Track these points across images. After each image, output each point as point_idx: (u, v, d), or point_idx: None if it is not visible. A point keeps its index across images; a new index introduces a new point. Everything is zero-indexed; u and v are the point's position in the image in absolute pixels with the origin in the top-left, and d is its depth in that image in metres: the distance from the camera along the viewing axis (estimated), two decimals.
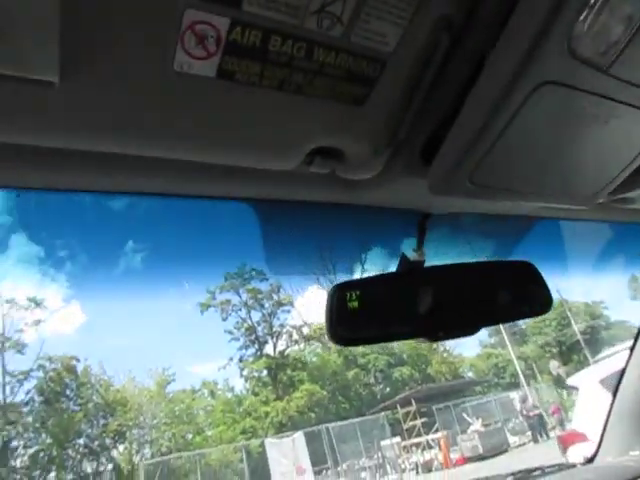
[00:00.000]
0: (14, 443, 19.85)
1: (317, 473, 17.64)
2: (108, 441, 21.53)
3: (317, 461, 17.19)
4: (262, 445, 19.52)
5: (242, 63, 0.60)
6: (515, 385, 24.04)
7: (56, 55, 0.52)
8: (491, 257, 1.36)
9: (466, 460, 16.60)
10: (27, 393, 20.50)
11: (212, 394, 25.37)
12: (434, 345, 29.54)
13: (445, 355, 28.85)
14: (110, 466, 21.40)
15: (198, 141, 0.72)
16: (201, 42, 0.56)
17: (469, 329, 1.07)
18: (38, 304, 21.22)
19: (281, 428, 21.38)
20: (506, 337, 22.71)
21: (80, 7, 0.52)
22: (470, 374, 28.61)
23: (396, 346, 27.18)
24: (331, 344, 27.22)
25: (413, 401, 20.47)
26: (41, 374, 20.68)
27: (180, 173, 0.82)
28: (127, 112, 0.64)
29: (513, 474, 2.03)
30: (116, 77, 0.59)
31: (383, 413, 20.30)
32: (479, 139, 0.72)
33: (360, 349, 25.47)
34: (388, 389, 25.60)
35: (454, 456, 17.15)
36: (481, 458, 16.24)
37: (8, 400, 20.04)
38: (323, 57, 0.63)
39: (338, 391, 24.38)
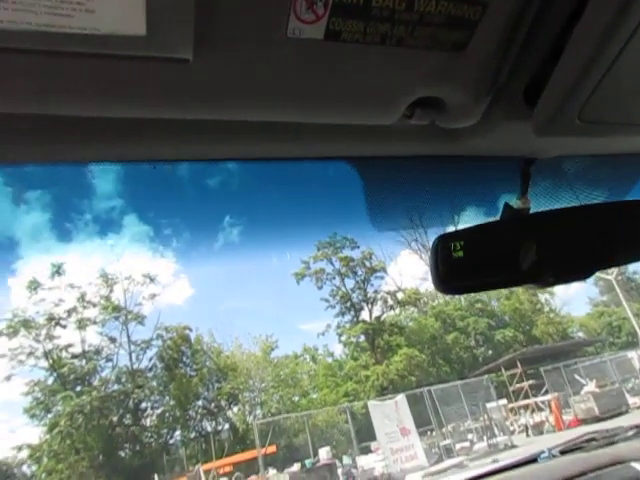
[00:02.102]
0: (143, 405, 22.23)
1: (422, 434, 17.72)
2: (223, 403, 23.30)
3: (421, 423, 17.23)
4: (365, 407, 20.02)
5: (347, 22, 0.62)
6: (633, 344, 22.26)
7: (191, 33, 0.56)
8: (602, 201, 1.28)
9: (580, 422, 15.80)
10: (150, 360, 22.69)
11: (314, 359, 26.38)
12: (538, 305, 28.14)
13: (552, 315, 27.38)
14: (227, 425, 23.24)
15: (305, 102, 0.75)
16: (311, 6, 0.59)
17: (581, 273, 1.03)
18: (152, 279, 23.17)
19: (382, 391, 21.71)
20: (620, 293, 20.95)
21: None
22: (580, 334, 26.99)
23: (497, 307, 26.31)
24: (427, 308, 27.02)
25: (519, 363, 19.77)
26: (160, 343, 22.70)
27: (280, 136, 0.84)
28: (248, 81, 0.67)
29: (637, 426, 1.89)
30: (241, 49, 0.62)
31: (487, 376, 19.83)
32: (587, 73, 0.69)
33: (458, 312, 24.97)
34: (490, 352, 24.92)
35: (567, 418, 16.38)
36: (597, 420, 15.33)
37: (135, 366, 22.33)
38: (424, 6, 0.63)
39: (438, 354, 24.19)
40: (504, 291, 26.94)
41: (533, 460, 1.69)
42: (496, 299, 26.35)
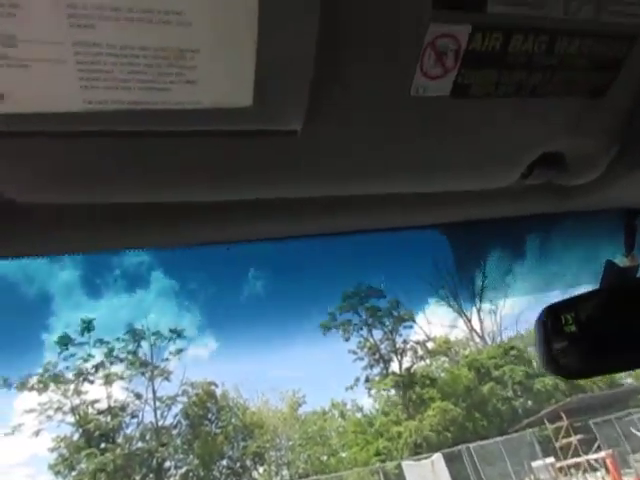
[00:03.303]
0: (167, 464, 21.59)
1: None
2: (248, 462, 22.33)
3: None
4: (399, 467, 18.71)
5: (479, 74, 0.56)
6: None
7: (306, 100, 0.51)
8: None
9: None
10: (175, 417, 22.31)
11: (342, 415, 25.19)
12: None
13: None
14: None
15: (420, 169, 0.68)
16: (440, 59, 0.53)
17: None
18: (179, 334, 23.32)
19: (416, 449, 20.32)
20: None
21: (336, 47, 0.50)
22: (629, 380, 24.73)
23: (533, 354, 24.71)
24: (459, 357, 25.66)
25: (563, 415, 18.20)
26: (185, 399, 22.40)
27: (373, 207, 0.78)
28: (361, 149, 0.62)
29: None
30: (355, 115, 0.57)
31: (529, 430, 18.35)
32: None
33: (492, 361, 23.56)
34: (530, 402, 23.11)
35: None
36: None
37: (160, 423, 21.98)
38: (565, 48, 0.56)
39: (474, 407, 22.62)
40: None
41: None
42: (532, 345, 24.79)
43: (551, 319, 0.86)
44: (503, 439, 18.27)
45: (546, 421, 18.82)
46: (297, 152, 0.58)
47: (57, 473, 19.78)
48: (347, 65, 0.51)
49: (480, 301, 25.55)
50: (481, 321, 26.49)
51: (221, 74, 0.46)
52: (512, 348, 24.16)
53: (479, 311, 26.48)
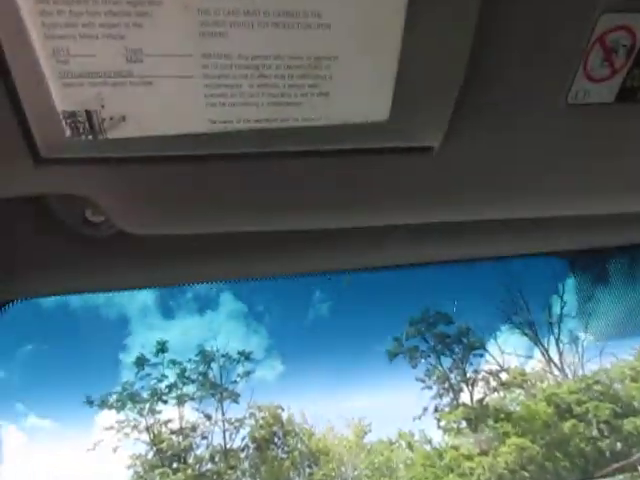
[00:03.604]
0: None
1: None
2: None
3: None
4: None
5: None
6: None
7: (448, 112, 0.46)
8: None
9: None
10: (242, 439, 22.60)
11: (410, 446, 24.35)
12: None
13: None
14: None
15: (570, 190, 0.61)
16: (608, 57, 0.46)
17: None
18: (246, 357, 23.74)
19: None
20: None
21: (488, 53, 0.44)
22: None
23: (621, 390, 22.70)
24: (536, 391, 24.11)
25: None
26: (252, 422, 22.64)
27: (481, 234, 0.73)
28: (501, 168, 0.56)
29: None
30: (497, 126, 0.51)
31: (621, 476, 16.80)
32: None
33: (573, 396, 21.90)
34: (619, 445, 21.16)
35: None
36: None
37: (228, 446, 22.33)
38: None
39: (553, 446, 21.05)
40: (628, 371, 23.26)
41: None
42: (619, 381, 22.84)
43: None
44: None
45: (639, 466, 17.17)
46: (429, 171, 0.52)
47: None
48: (497, 73, 0.44)
49: (559, 330, 23.99)
50: (560, 352, 24.81)
51: (358, 85, 0.41)
52: (596, 383, 22.37)
53: (558, 341, 24.91)
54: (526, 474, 19.62)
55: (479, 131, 0.50)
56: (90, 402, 21.09)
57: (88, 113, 0.39)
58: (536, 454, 20.35)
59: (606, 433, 21.51)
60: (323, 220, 0.58)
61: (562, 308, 24.27)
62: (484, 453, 20.94)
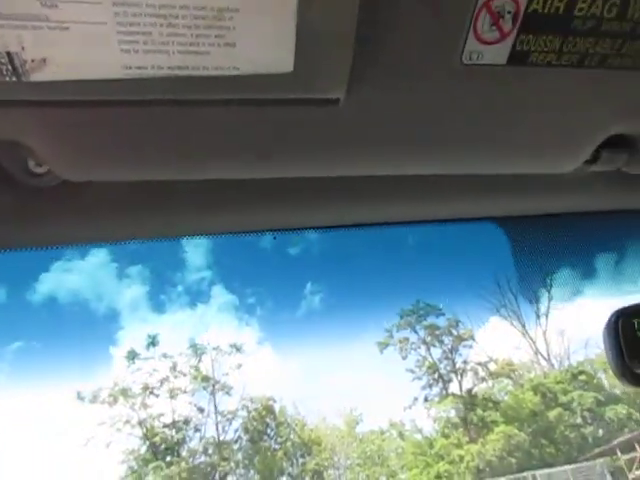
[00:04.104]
0: (229, 478, 21.94)
1: None
2: None
3: None
4: None
5: (540, 40, 0.51)
6: None
7: (348, 66, 0.48)
8: None
9: None
10: (235, 431, 22.67)
11: (401, 435, 24.93)
12: None
13: None
14: None
15: (471, 148, 0.63)
16: (496, 22, 0.49)
17: None
18: (238, 349, 23.69)
19: (479, 474, 19.92)
20: None
21: (380, 8, 0.47)
22: None
23: (604, 380, 23.74)
24: (523, 381, 24.96)
25: (637, 446, 17.43)
26: (245, 413, 22.72)
27: (416, 193, 0.75)
28: (406, 122, 0.58)
29: None
30: (402, 83, 0.53)
31: (601, 460, 17.66)
32: None
33: (559, 386, 22.79)
34: (601, 431, 22.20)
35: None
36: None
37: (221, 438, 22.37)
38: (638, 14, 0.51)
39: (539, 434, 21.93)
40: None
41: None
42: (603, 371, 23.85)
43: (623, 324, 0.80)
44: (572, 467, 17.69)
45: (619, 451, 18.07)
46: (339, 122, 0.55)
47: None
48: (392, 28, 0.47)
49: (546, 321, 24.78)
50: (547, 343, 25.68)
51: (261, 36, 0.43)
52: (581, 373, 23.29)
53: (545, 333, 25.75)
54: (513, 460, 20.39)
55: (381, 87, 0.53)
56: (81, 397, 20.72)
57: (9, 55, 0.40)
58: (523, 441, 21.15)
59: (589, 420, 22.52)
60: (241, 169, 0.61)
61: (550, 301, 25.08)
62: (473, 441, 21.64)
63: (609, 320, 0.84)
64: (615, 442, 18.47)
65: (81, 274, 20.33)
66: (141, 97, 0.47)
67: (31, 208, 0.69)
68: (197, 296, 23.72)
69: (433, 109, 0.57)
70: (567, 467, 17.78)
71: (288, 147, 0.58)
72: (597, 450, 18.99)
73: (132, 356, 22.05)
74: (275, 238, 0.87)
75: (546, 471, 17.42)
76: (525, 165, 0.68)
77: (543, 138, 0.63)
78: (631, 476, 17.20)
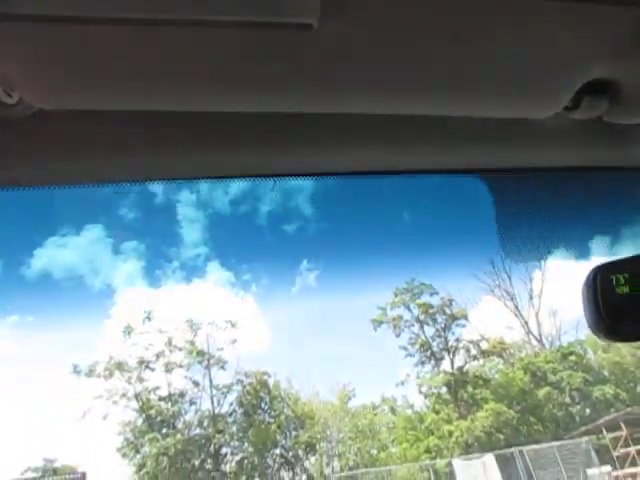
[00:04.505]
0: (223, 450, 22.50)
1: None
2: (300, 452, 23.01)
3: None
4: (449, 465, 18.90)
5: None
6: None
7: None
8: None
9: None
10: (230, 405, 23.12)
11: (392, 410, 25.47)
12: None
13: None
14: (304, 477, 22.84)
15: (445, 82, 0.59)
16: None
17: None
18: (233, 325, 23.91)
19: (467, 449, 20.42)
20: None
21: None
22: None
23: (593, 361, 24.13)
24: (514, 360, 25.36)
25: (623, 425, 17.85)
26: (239, 388, 23.12)
27: (394, 140, 0.71)
28: (384, 55, 0.55)
29: None
30: (374, 15, 0.51)
31: (586, 438, 18.10)
32: None
33: (549, 365, 23.17)
34: (588, 410, 22.71)
35: None
36: None
37: (216, 411, 22.82)
38: None
39: (528, 411, 22.42)
40: (601, 343, 24.62)
41: None
42: (592, 351, 24.23)
43: (601, 279, 0.80)
44: (558, 444, 18.14)
45: (604, 430, 18.51)
46: (313, 50, 0.54)
47: (124, 455, 20.95)
48: None
49: (539, 302, 24.96)
50: (539, 324, 25.97)
51: None
52: (571, 353, 23.64)
53: (537, 313, 25.96)
54: (501, 436, 20.89)
55: (356, 18, 0.51)
56: (77, 371, 21.01)
57: None
58: (511, 418, 21.65)
59: (577, 399, 23.01)
60: (224, 99, 0.59)
61: (543, 282, 25.19)
62: (462, 417, 22.13)
63: (588, 276, 0.82)
64: (601, 421, 18.91)
65: (76, 249, 20.25)
66: (117, 15, 0.44)
67: (1, 143, 0.65)
68: (193, 272, 23.73)
69: (407, 41, 0.54)
70: (554, 443, 18.24)
71: (268, 74, 0.57)
72: (583, 428, 19.45)
73: (128, 331, 22.27)
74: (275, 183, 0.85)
75: (533, 447, 17.85)
76: (506, 108, 0.65)
77: (521, 75, 0.59)
78: (615, 454, 17.69)
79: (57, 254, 19.08)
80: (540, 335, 26.35)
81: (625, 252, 0.88)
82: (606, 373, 23.76)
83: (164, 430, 21.15)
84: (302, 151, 0.73)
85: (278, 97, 0.60)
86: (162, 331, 22.78)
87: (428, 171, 0.82)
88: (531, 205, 0.98)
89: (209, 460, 21.82)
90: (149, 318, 22.56)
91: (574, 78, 0.59)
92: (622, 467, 17.22)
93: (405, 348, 24.99)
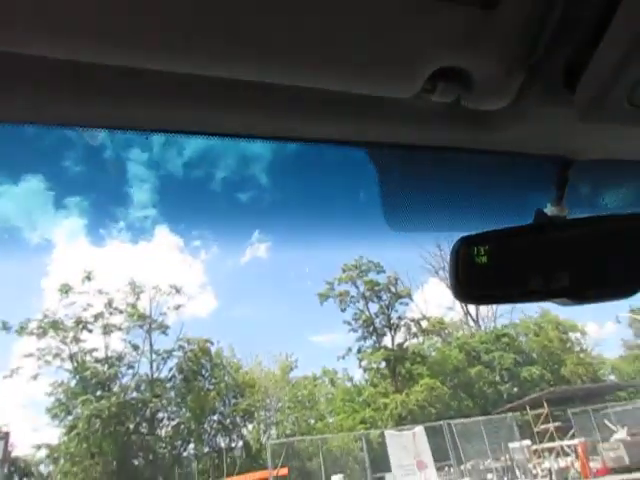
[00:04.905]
0: (160, 414, 22.32)
1: (439, 469, 17.18)
2: (238, 419, 23.18)
3: (439, 457, 16.75)
4: (382, 436, 19.55)
5: None
6: None
7: None
8: None
9: (609, 471, 14.98)
10: (169, 370, 22.88)
11: (332, 382, 26.02)
12: (568, 344, 27.08)
13: (582, 355, 26.27)
14: (240, 443, 23.07)
15: (304, 55, 0.61)
16: None
17: (622, 290, 0.92)
18: (178, 290, 23.53)
19: (400, 421, 21.17)
20: None
21: None
22: (612, 377, 25.78)
23: (524, 343, 25.47)
24: (451, 339, 26.39)
25: (545, 403, 18.98)
26: (181, 354, 22.88)
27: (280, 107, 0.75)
28: (259, 25, 0.56)
29: None
30: None
31: (511, 414, 19.13)
32: (638, 47, 0.58)
33: (483, 345, 24.27)
34: (515, 389, 24.03)
35: (594, 465, 15.56)
36: (628, 470, 14.52)
37: (155, 375, 22.54)
38: None
39: (460, 388, 23.48)
40: (532, 327, 25.98)
41: None
42: (524, 334, 25.56)
43: (464, 249, 0.88)
44: (484, 419, 19.06)
45: (528, 407, 19.61)
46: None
47: (54, 416, 20.38)
48: None
49: None
50: (477, 306, 27.04)
51: None
52: (504, 335, 24.82)
53: None
54: (433, 410, 21.79)
55: None
56: (7, 328, 20.08)
57: None
58: (444, 394, 22.60)
59: (506, 379, 24.27)
60: (165, 58, 0.58)
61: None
62: (399, 391, 22.90)
63: (454, 245, 0.90)
64: (526, 399, 20.00)
65: (13, 200, 19.11)
66: None
67: None
68: (139, 234, 23.05)
69: (257, 7, 0.55)
70: (480, 418, 19.13)
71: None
72: (509, 405, 20.50)
73: (65, 289, 21.44)
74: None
75: (461, 421, 18.68)
76: (368, 85, 0.68)
77: (376, 57, 0.63)
78: (536, 430, 18.80)
79: None
80: (477, 316, 27.53)
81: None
82: (535, 355, 25.16)
83: (99, 392, 20.69)
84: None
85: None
86: (102, 292, 22.14)
87: (316, 140, 0.86)
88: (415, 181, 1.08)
89: (144, 424, 21.63)
90: (89, 278, 21.82)
91: (422, 64, 0.64)
92: (541, 442, 18.34)
93: (349, 323, 25.48)
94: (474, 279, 0.90)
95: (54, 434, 20.97)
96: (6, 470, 17.88)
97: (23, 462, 21.70)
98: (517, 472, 16.52)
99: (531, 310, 26.17)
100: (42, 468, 21.76)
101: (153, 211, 22.26)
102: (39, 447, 21.04)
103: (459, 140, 0.88)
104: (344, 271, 25.12)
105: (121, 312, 22.43)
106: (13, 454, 19.67)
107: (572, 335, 26.96)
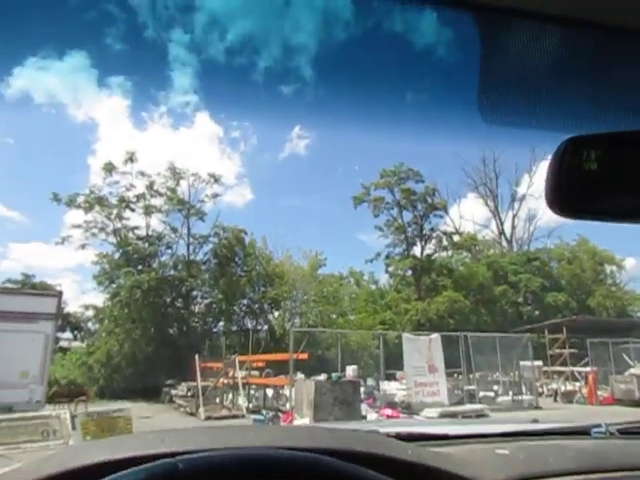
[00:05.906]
0: (194, 293, 23.99)
1: (448, 375, 18.08)
2: (266, 306, 24.68)
3: (450, 365, 17.50)
4: (398, 338, 20.48)
5: None
6: None
7: None
8: None
9: (615, 401, 15.41)
10: (205, 255, 24.10)
11: (357, 283, 26.92)
12: (601, 275, 26.56)
13: (613, 289, 25.87)
14: (266, 327, 24.81)
15: None
16: None
17: None
18: (216, 179, 23.87)
19: (419, 327, 21.98)
20: None
21: None
22: None
23: (555, 269, 25.15)
24: (481, 256, 26.29)
25: (564, 329, 19.16)
26: (216, 240, 23.88)
27: None
28: None
29: None
30: None
31: (528, 334, 19.51)
32: None
33: (512, 266, 24.11)
34: (537, 312, 24.23)
35: (601, 394, 16.02)
36: (636, 404, 14.86)
37: (191, 257, 23.84)
38: None
39: (482, 304, 23.86)
40: (567, 254, 25.34)
41: (584, 432, 1.35)
42: (557, 260, 25.08)
43: (571, 152, 0.75)
44: (501, 336, 19.51)
45: (546, 331, 19.89)
46: None
47: (99, 283, 22.25)
48: None
49: (519, 206, 24.97)
50: (514, 226, 26.37)
51: None
52: (536, 259, 24.43)
53: (515, 216, 26.20)
54: (452, 321, 22.44)
55: None
56: (58, 199, 21.23)
57: None
58: (465, 307, 23.09)
59: (529, 301, 24.38)
60: None
61: (528, 188, 25.01)
62: (421, 299, 23.54)
63: (559, 146, 0.76)
64: (546, 322, 20.22)
65: (58, 75, 19.01)
66: None
67: None
68: (181, 120, 22.85)
69: None
70: (496, 334, 19.60)
71: None
72: (528, 326, 20.81)
73: (109, 168, 22.10)
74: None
75: (477, 334, 19.20)
76: None
77: None
78: (550, 353, 19.24)
79: (37, 76, 17.88)
80: (511, 237, 27.03)
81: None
82: (563, 282, 24.92)
83: (139, 267, 22.17)
84: None
85: None
86: (145, 174, 22.74)
87: None
88: None
89: (180, 299, 23.35)
90: (132, 160, 22.31)
91: None
92: (553, 365, 18.84)
93: (381, 229, 25.58)
94: (578, 188, 0.76)
95: (99, 298, 23.07)
96: (60, 323, 20.09)
97: (74, 318, 24.33)
98: (523, 388, 17.21)
99: (569, 237, 25.38)
100: (90, 325, 24.39)
101: (194, 97, 21.77)
102: (87, 307, 23.43)
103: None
104: (382, 177, 24.63)
105: (161, 195, 23.19)
106: (65, 310, 21.94)
107: (607, 267, 26.30)
